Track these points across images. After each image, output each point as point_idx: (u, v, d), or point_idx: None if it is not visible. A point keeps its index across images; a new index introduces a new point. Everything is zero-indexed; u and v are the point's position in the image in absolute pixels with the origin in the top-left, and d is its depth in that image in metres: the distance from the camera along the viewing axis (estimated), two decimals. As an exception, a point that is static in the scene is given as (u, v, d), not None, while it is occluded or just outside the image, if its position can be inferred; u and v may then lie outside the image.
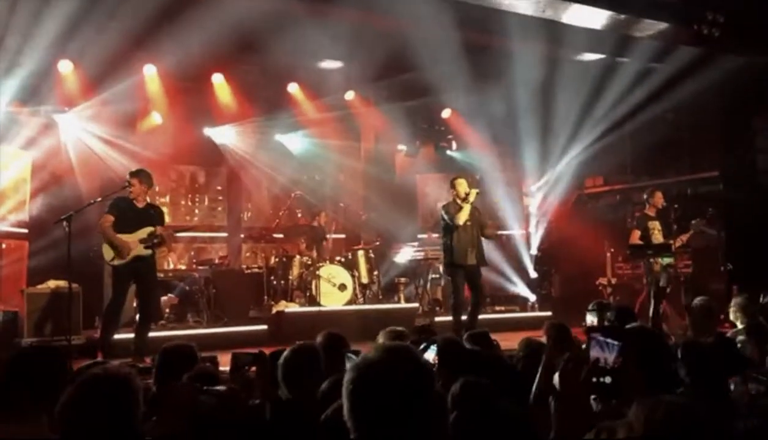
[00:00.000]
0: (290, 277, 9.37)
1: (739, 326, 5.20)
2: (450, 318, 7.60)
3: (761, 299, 6.28)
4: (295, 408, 2.99)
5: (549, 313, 10.09)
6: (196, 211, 11.32)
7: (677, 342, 3.51)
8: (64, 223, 6.41)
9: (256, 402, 3.06)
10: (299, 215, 10.72)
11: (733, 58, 9.33)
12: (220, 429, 2.62)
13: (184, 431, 2.60)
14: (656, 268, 7.78)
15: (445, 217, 7.48)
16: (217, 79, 10.16)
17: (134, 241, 6.67)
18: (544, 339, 3.96)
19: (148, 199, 7.06)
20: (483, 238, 7.61)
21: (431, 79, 9.74)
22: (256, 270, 9.92)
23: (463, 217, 7.34)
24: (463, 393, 2.64)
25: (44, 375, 2.63)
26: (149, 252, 6.76)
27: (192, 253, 11.02)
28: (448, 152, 12.26)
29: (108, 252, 6.66)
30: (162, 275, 8.67)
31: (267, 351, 3.52)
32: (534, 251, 12.28)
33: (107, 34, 7.96)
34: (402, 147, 12.25)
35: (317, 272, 9.02)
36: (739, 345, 4.19)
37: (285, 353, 3.24)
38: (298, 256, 9.51)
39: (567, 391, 2.49)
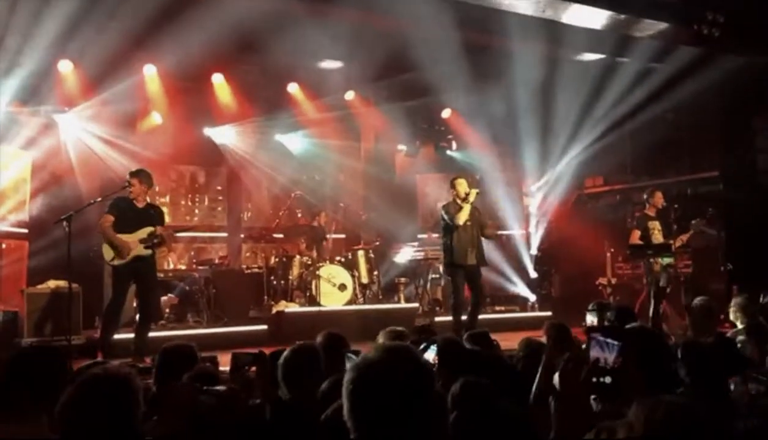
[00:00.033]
0: (290, 277, 9.36)
1: (739, 326, 5.20)
2: (450, 318, 7.59)
3: (761, 299, 6.28)
4: (295, 408, 2.98)
5: (549, 313, 10.09)
6: (196, 211, 11.31)
7: (677, 342, 3.51)
8: (64, 223, 6.41)
9: (256, 402, 3.06)
10: (299, 215, 10.70)
11: (733, 58, 9.32)
12: (220, 429, 2.62)
13: (184, 431, 2.60)
14: (656, 268, 7.78)
15: (445, 217, 7.47)
16: (217, 79, 10.16)
17: (134, 241, 6.67)
18: (544, 339, 3.96)
19: (148, 199, 7.06)
20: (483, 238, 7.61)
21: (431, 79, 9.73)
22: (256, 270, 9.92)
23: (463, 217, 7.33)
24: (463, 393, 2.64)
25: (44, 375, 2.63)
26: (149, 252, 6.76)
27: (192, 253, 11.02)
28: (448, 152, 12.26)
29: (108, 252, 6.66)
30: (162, 275, 8.67)
31: (267, 351, 3.52)
32: (534, 251, 12.28)
33: (107, 34, 7.96)
34: (402, 147, 12.24)
35: (317, 272, 9.02)
36: (739, 345, 4.19)
37: (285, 353, 3.24)
38: (298, 256, 9.50)
39: (567, 391, 2.49)
